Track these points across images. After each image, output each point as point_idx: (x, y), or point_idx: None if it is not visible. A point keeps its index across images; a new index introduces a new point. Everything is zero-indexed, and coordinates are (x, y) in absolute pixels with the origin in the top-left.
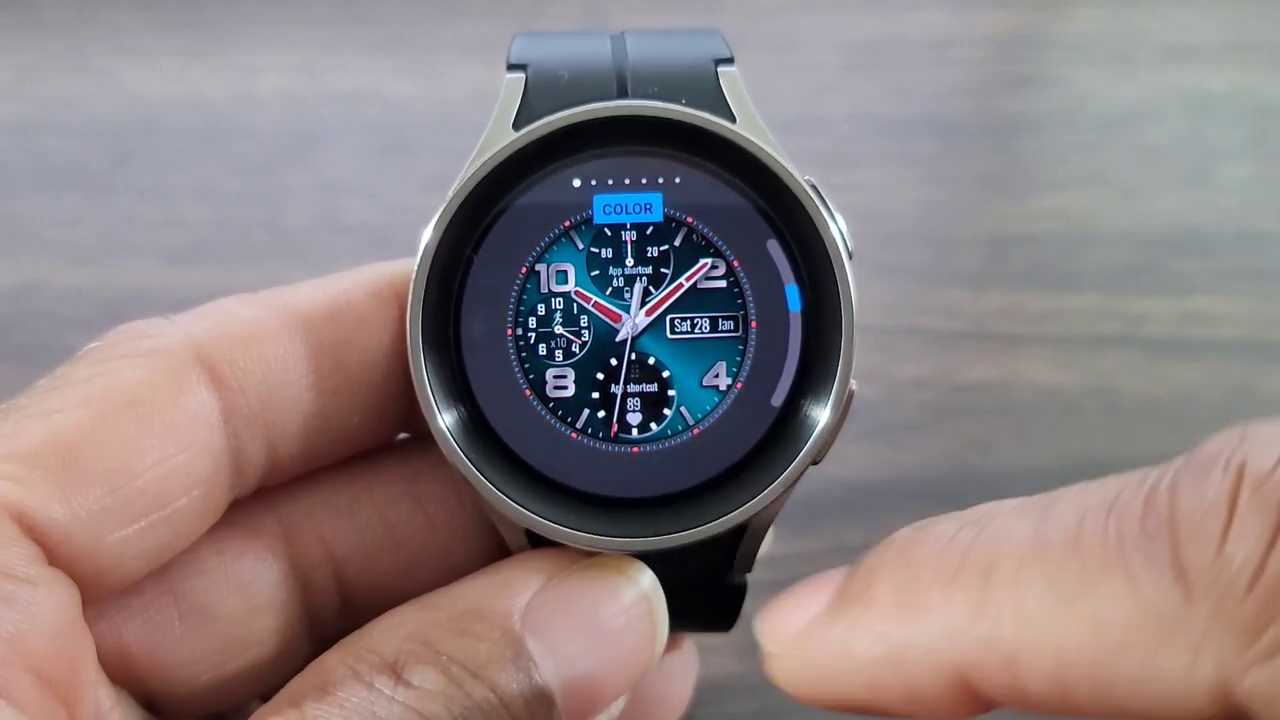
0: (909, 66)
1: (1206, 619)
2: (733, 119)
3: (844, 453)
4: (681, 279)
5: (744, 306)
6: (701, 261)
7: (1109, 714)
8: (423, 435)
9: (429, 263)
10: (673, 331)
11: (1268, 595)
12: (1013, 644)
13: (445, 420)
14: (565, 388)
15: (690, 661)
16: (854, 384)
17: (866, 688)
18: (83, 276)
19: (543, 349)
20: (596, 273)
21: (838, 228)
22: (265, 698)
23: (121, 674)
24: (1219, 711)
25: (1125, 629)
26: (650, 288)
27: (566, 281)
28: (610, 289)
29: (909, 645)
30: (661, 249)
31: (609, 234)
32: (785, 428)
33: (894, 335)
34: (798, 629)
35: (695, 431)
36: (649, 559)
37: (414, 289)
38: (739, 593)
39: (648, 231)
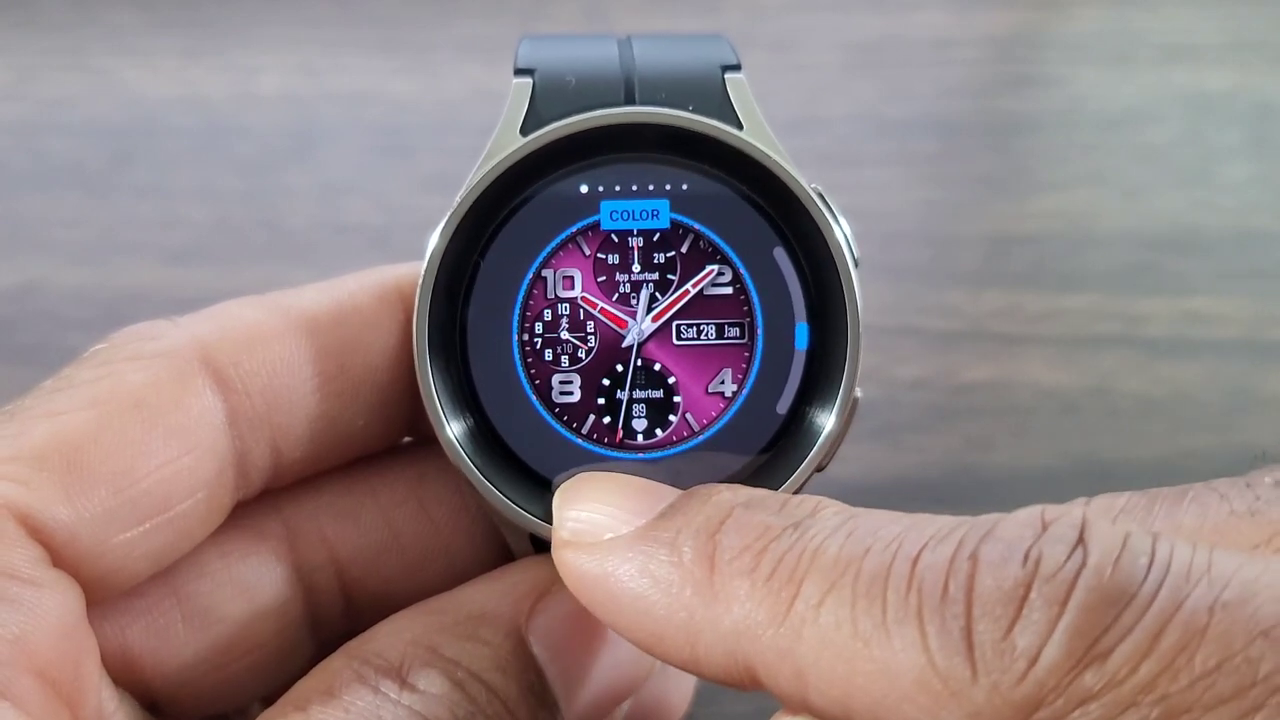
0: (909, 66)
1: (987, 694)
2: (740, 126)
3: (844, 453)
4: (688, 285)
5: (750, 313)
6: (708, 268)
7: None
8: (427, 438)
9: (435, 269)
10: (679, 338)
11: (1038, 682)
12: (807, 661)
13: (452, 429)
14: (571, 393)
15: None
16: (858, 391)
17: (652, 637)
18: (83, 276)
19: (549, 354)
20: (603, 279)
21: (844, 235)
22: (268, 700)
23: (125, 675)
24: None
25: (912, 683)
26: (656, 294)
27: (573, 287)
28: (617, 295)
29: (708, 626)
30: (668, 255)
31: (616, 240)
32: (790, 434)
33: (894, 335)
34: (599, 535)
35: (700, 438)
36: None
37: (420, 295)
38: None
39: (654, 238)
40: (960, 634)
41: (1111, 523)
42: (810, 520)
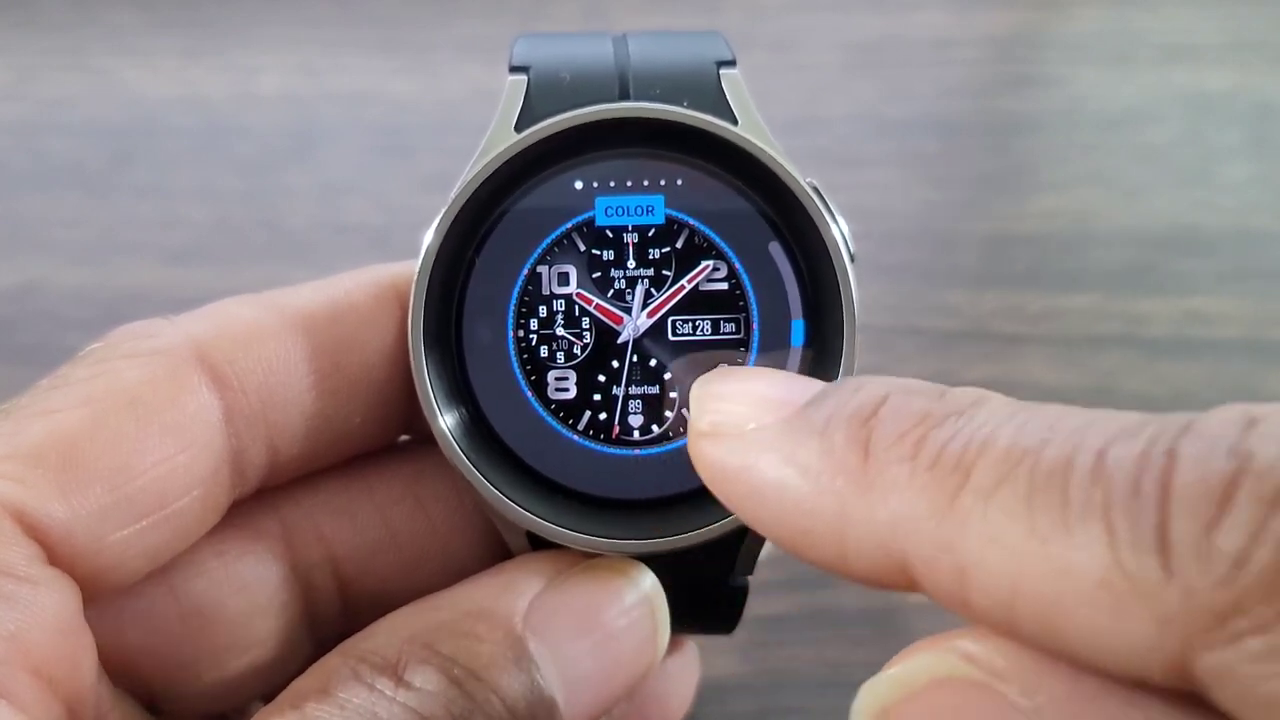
0: (909, 66)
1: (1181, 597)
2: (734, 121)
3: None
4: (683, 281)
5: (745, 309)
6: (703, 264)
7: (1048, 650)
8: (424, 437)
9: (431, 265)
10: (674, 333)
11: (1243, 587)
12: (970, 558)
13: (446, 421)
14: (567, 389)
15: (692, 663)
16: None
17: (797, 531)
18: (83, 276)
19: (544, 351)
20: (598, 275)
21: (839, 230)
22: (267, 698)
23: (122, 674)
24: (1168, 680)
25: (1094, 584)
26: (652, 290)
27: (568, 283)
28: (612, 291)
29: (860, 518)
30: (663, 251)
31: (611, 236)
32: None
33: (894, 335)
34: (743, 425)
35: None
36: (651, 561)
37: (415, 291)
38: (740, 595)
39: (649, 233)
40: (1153, 531)
41: None
42: (975, 409)
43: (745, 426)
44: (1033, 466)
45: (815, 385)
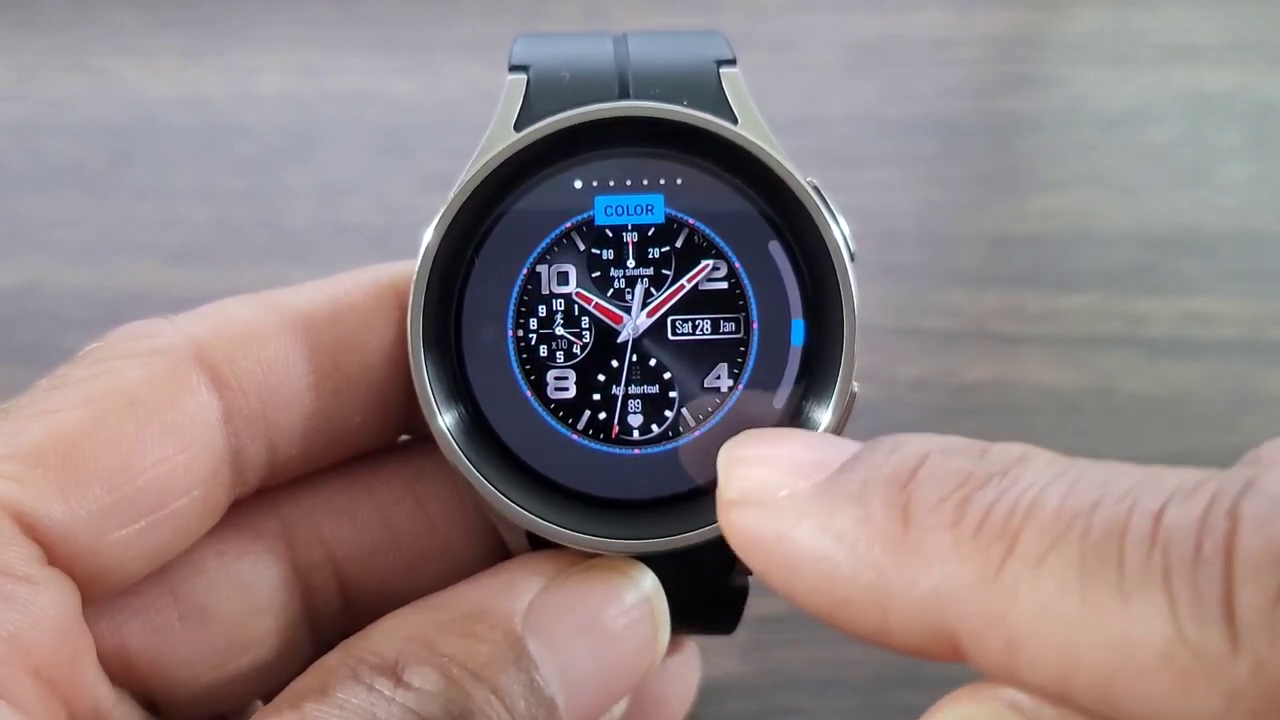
0: (909, 66)
1: (1250, 671)
2: (734, 120)
3: None
4: (683, 280)
5: (745, 308)
6: (703, 263)
7: None
8: (424, 436)
9: (430, 264)
10: (674, 333)
11: None
12: (1021, 629)
13: (445, 420)
14: (566, 389)
15: (692, 663)
16: (855, 385)
17: (836, 603)
18: (83, 276)
19: (544, 350)
20: (598, 274)
21: (839, 229)
22: (267, 699)
23: (122, 674)
24: None
25: (1155, 656)
26: (651, 289)
27: (568, 283)
28: (611, 290)
29: (901, 589)
30: (663, 250)
31: (610, 235)
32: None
33: (894, 335)
34: (774, 493)
35: (696, 433)
36: (651, 560)
37: (415, 290)
38: (741, 594)
39: (649, 233)
40: (1218, 601)
41: None
42: (1020, 468)
43: (777, 493)
44: (1084, 531)
45: (849, 447)
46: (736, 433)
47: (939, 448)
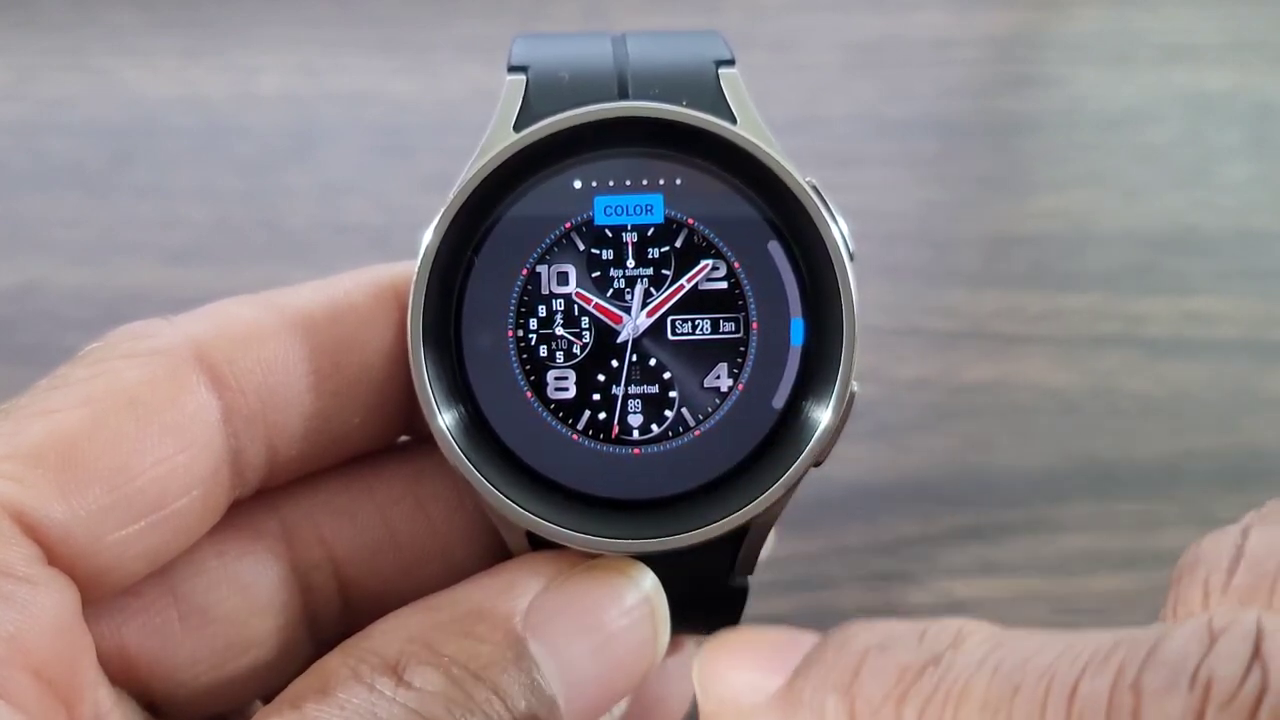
0: (909, 66)
1: None
2: (733, 120)
3: (844, 453)
4: (682, 280)
5: (745, 308)
6: (702, 263)
7: None
8: (424, 437)
9: (430, 264)
10: (674, 333)
11: None
12: None
13: (445, 420)
14: (566, 389)
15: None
16: (855, 385)
17: None
18: (83, 276)
19: (544, 350)
20: (597, 274)
21: (839, 229)
22: (267, 698)
23: (122, 675)
24: None
25: None
26: (651, 289)
27: (567, 283)
28: (611, 290)
29: None
30: (662, 250)
31: (610, 235)
32: (786, 429)
33: (894, 335)
34: (742, 702)
35: (696, 433)
36: (651, 561)
37: (414, 290)
38: (741, 594)
39: (649, 233)
40: None
41: None
42: (952, 653)
43: (744, 702)
44: (1008, 717)
45: (803, 645)
46: (737, 432)
47: (878, 642)
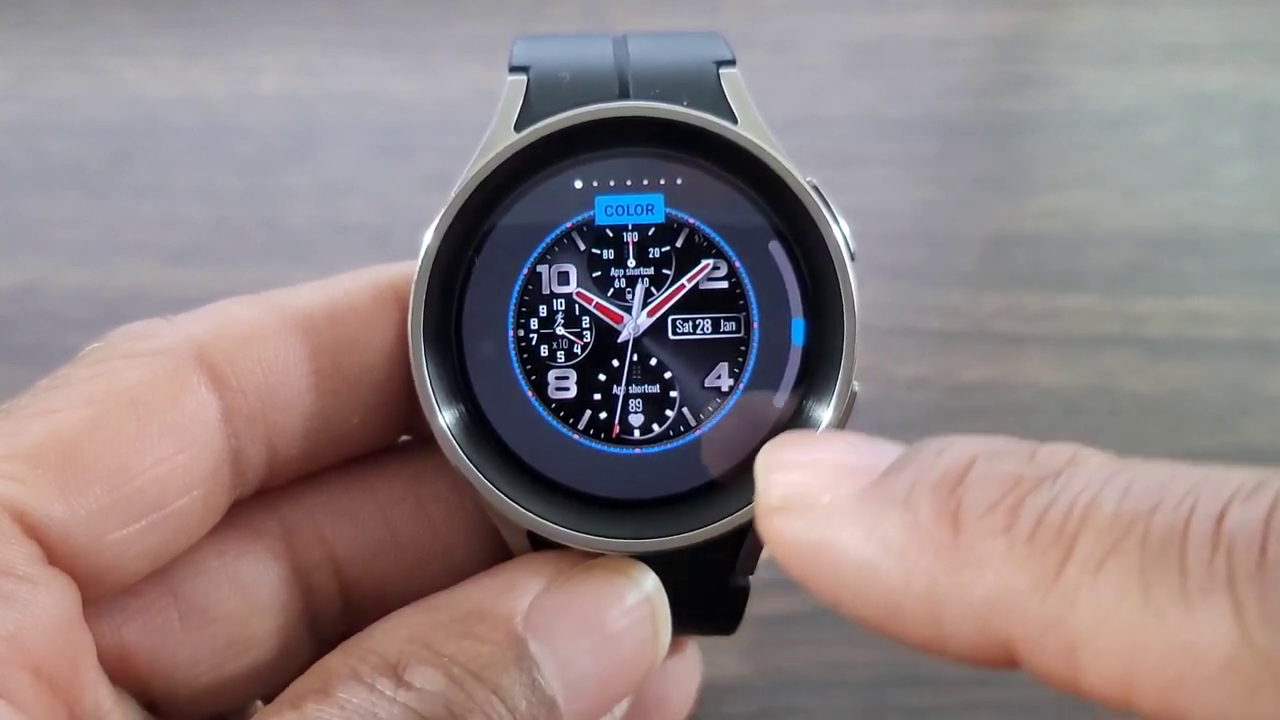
0: (909, 66)
1: None
2: (734, 120)
3: None
4: (683, 280)
5: (745, 307)
6: (703, 263)
7: None
8: (425, 437)
9: (430, 265)
10: (674, 332)
11: None
12: (1081, 635)
13: (446, 419)
14: (567, 389)
15: (693, 664)
16: (856, 385)
17: (884, 611)
18: (83, 276)
19: (544, 350)
20: (598, 274)
21: (839, 229)
22: (267, 698)
23: (122, 674)
24: None
25: (1221, 663)
26: (652, 289)
27: (568, 283)
28: (612, 290)
29: (954, 596)
30: (663, 250)
31: (611, 235)
32: (788, 428)
33: (894, 335)
34: (817, 498)
35: (697, 432)
36: (651, 561)
37: (415, 291)
38: (742, 595)
39: (649, 232)
40: None
41: None
42: (1072, 470)
43: (820, 499)
44: (1144, 535)
45: (892, 449)
46: (737, 431)
47: (987, 450)
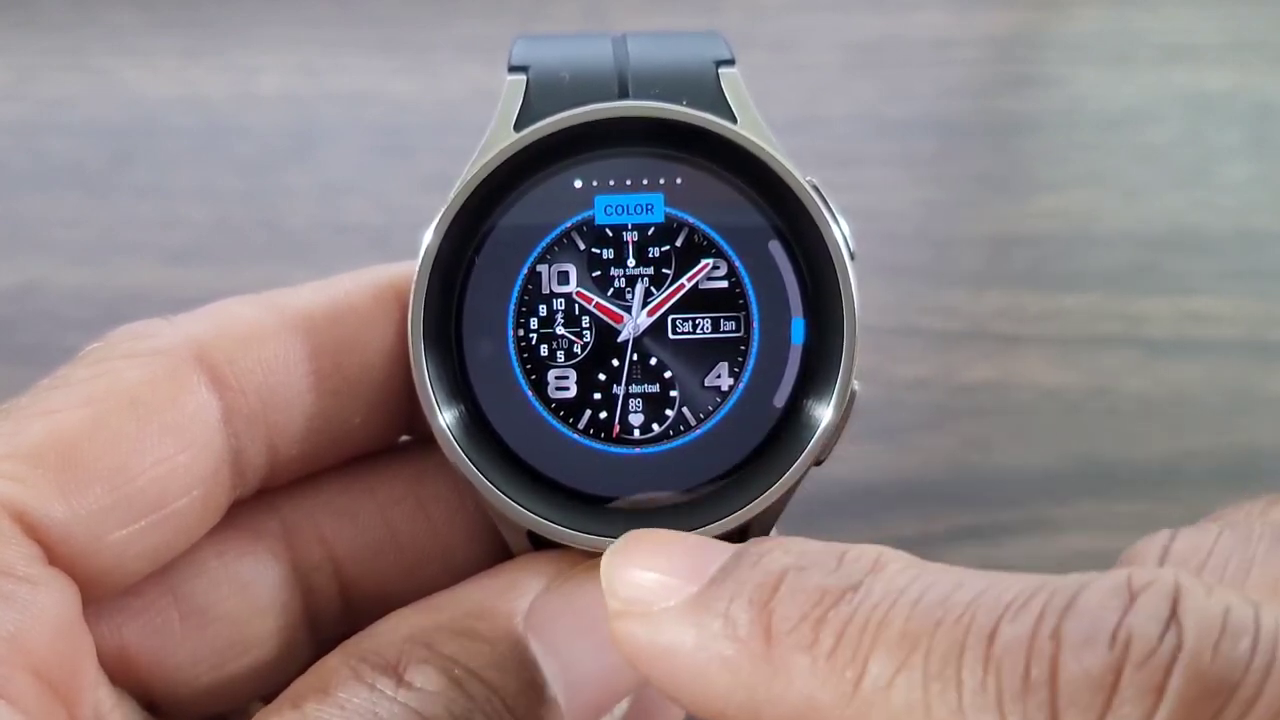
0: (909, 66)
1: None
2: (734, 120)
3: (844, 453)
4: (683, 279)
5: (745, 307)
6: (703, 262)
7: None
8: (425, 437)
9: (430, 265)
10: (674, 332)
11: None
12: None
13: (446, 419)
14: (567, 388)
15: None
16: (856, 384)
17: (715, 711)
18: (83, 276)
19: (544, 350)
20: (598, 273)
21: (839, 229)
22: (267, 699)
23: (122, 675)
24: None
25: None
26: (652, 288)
27: (568, 282)
28: (612, 290)
29: (768, 703)
30: (663, 249)
31: (610, 235)
32: (787, 428)
33: (894, 335)
34: (651, 605)
35: (697, 432)
36: None
37: (415, 290)
38: None
39: (649, 232)
40: None
41: (1206, 589)
42: (872, 579)
43: (654, 606)
44: (927, 652)
45: (718, 555)
46: (738, 431)
47: (796, 562)
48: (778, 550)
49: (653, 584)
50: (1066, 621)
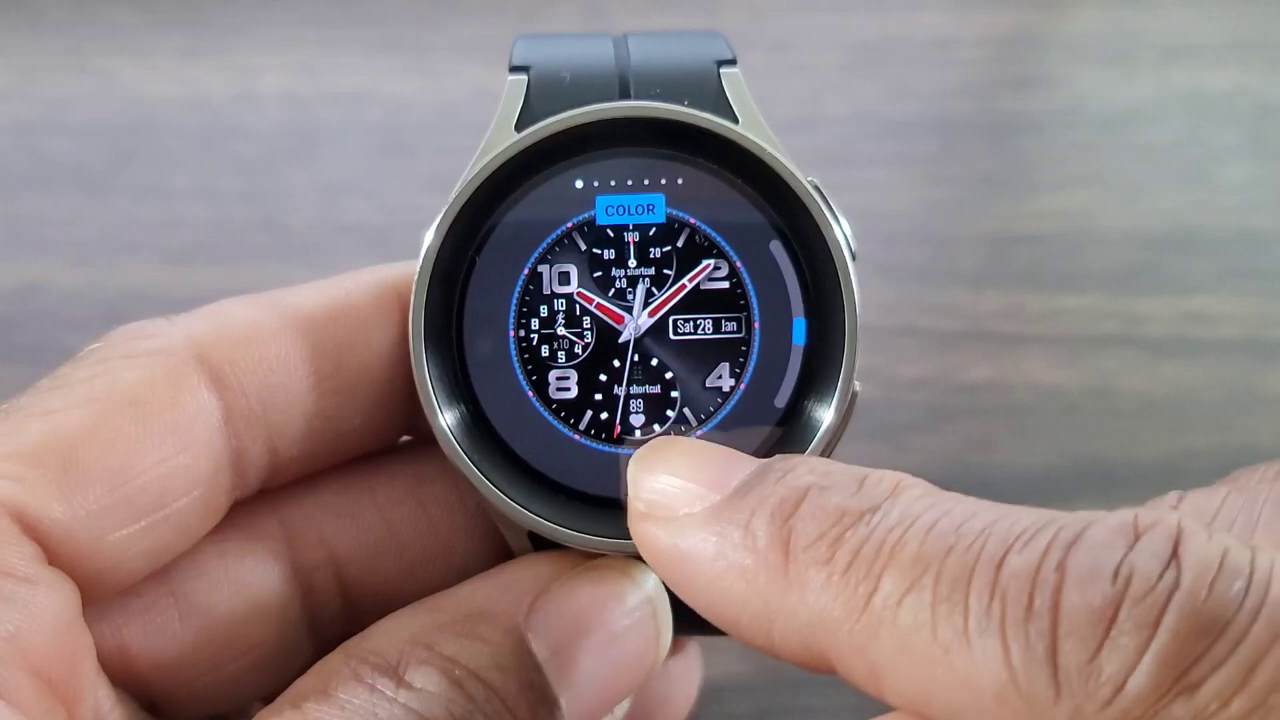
0: (909, 66)
1: (1069, 717)
2: (735, 120)
3: (844, 453)
4: (684, 280)
5: (747, 307)
6: (704, 263)
7: None
8: (425, 437)
9: (431, 265)
10: (675, 332)
11: (1124, 710)
12: (882, 662)
13: (446, 419)
14: (568, 389)
15: (694, 664)
16: (857, 384)
17: (728, 618)
18: (83, 276)
19: (545, 350)
20: (599, 274)
21: (840, 229)
22: (267, 699)
23: (122, 675)
24: None
25: (992, 697)
26: (653, 289)
27: (569, 283)
28: (613, 290)
29: (783, 616)
30: (664, 250)
31: (611, 235)
32: (789, 428)
33: (894, 335)
34: (675, 509)
35: (698, 432)
36: None
37: (416, 290)
38: None
39: (650, 232)
40: (1045, 652)
41: (1207, 532)
42: (890, 504)
43: (678, 510)
44: (937, 576)
45: (744, 467)
46: (738, 431)
47: (819, 482)
48: (802, 468)
49: (677, 489)
50: (1072, 555)
